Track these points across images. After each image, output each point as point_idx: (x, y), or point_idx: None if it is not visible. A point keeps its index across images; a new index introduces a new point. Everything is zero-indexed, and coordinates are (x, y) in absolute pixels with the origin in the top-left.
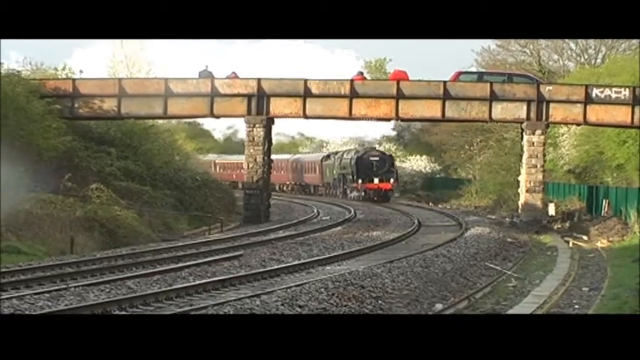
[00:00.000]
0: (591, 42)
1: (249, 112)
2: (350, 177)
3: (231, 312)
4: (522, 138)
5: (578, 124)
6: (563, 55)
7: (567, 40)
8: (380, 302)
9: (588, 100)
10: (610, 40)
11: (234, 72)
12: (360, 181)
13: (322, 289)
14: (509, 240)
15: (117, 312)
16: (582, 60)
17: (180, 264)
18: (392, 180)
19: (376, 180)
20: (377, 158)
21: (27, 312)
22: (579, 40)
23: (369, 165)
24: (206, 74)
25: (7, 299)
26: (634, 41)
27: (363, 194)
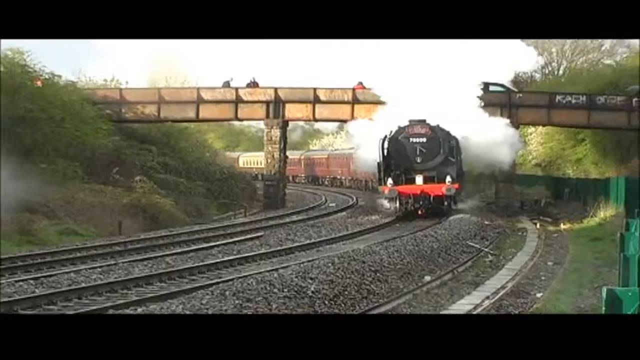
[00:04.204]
0: (554, 56)
1: (267, 116)
2: (378, 173)
3: (253, 284)
4: None
5: (544, 125)
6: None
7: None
8: (378, 274)
9: (552, 105)
10: (570, 55)
11: (253, 78)
12: (389, 181)
13: (330, 264)
14: (486, 222)
15: (111, 313)
16: (547, 71)
17: (210, 244)
18: (449, 179)
19: (419, 180)
20: (422, 139)
21: (83, 285)
22: (545, 54)
23: (408, 151)
24: (227, 85)
25: (66, 272)
26: (591, 55)
27: (396, 204)
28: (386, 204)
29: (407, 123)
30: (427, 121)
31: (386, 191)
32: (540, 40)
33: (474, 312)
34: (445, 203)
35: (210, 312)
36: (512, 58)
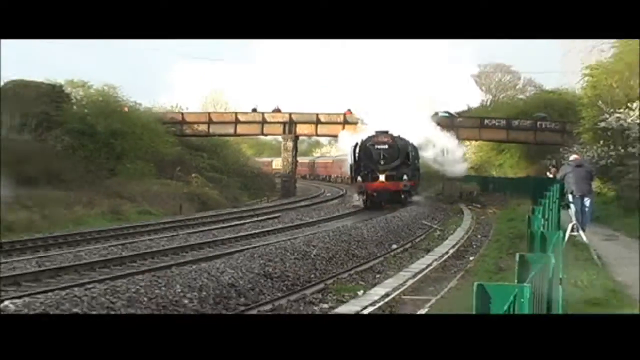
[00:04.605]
0: (484, 91)
1: (284, 132)
2: (351, 173)
3: (273, 249)
4: None
5: (476, 140)
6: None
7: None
8: (360, 243)
9: (482, 126)
10: (495, 91)
11: (277, 105)
12: (359, 179)
13: (327, 236)
14: (435, 208)
15: (106, 313)
16: (478, 103)
17: (243, 221)
18: (405, 178)
19: (382, 178)
20: (385, 146)
21: (154, 249)
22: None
23: (374, 155)
24: (254, 110)
25: (142, 240)
26: (509, 92)
27: (364, 197)
28: (356, 196)
29: (373, 133)
30: (390, 132)
31: (357, 187)
32: (476, 78)
33: (426, 270)
34: (402, 196)
35: (243, 269)
36: (463, 93)
